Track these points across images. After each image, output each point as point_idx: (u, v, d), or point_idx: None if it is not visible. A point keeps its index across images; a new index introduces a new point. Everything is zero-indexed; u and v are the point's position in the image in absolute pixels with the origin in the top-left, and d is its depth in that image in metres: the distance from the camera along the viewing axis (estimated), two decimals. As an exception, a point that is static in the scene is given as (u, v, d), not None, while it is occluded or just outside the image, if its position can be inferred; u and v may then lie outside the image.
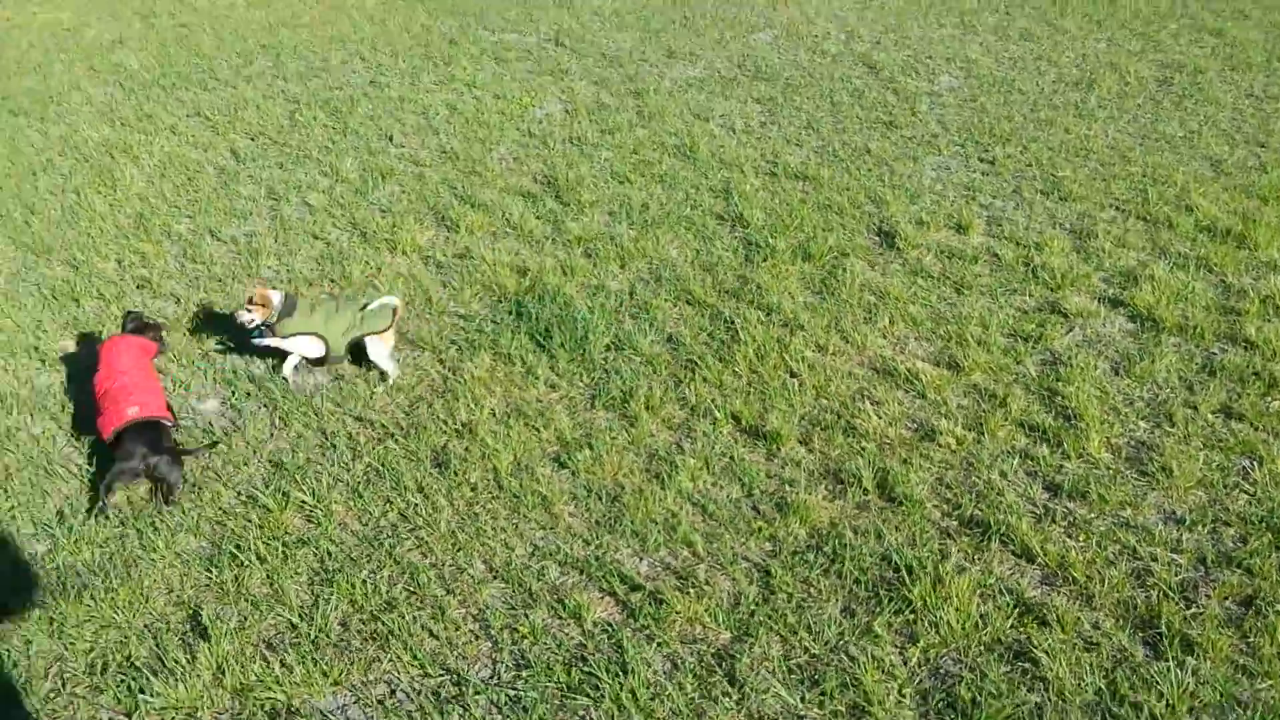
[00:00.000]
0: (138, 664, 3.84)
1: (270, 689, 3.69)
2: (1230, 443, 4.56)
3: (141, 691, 3.71)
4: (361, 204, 7.34)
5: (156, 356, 5.40)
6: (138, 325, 5.46)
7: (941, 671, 3.65)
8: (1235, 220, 6.37)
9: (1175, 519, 4.22)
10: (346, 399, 5.25)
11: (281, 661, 3.80)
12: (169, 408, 4.98)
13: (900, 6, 11.73)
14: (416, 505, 4.52)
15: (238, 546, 4.31)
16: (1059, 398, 4.93)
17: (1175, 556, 4.01)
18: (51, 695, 3.76)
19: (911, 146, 7.96)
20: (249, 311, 5.24)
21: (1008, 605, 3.85)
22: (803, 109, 8.82)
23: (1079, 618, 3.77)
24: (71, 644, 3.94)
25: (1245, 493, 4.30)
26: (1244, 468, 4.43)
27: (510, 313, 5.87)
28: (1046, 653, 3.61)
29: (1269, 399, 4.80)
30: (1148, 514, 4.24)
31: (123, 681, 3.77)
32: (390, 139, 8.53)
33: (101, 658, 3.88)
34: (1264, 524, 4.10)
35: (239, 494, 4.64)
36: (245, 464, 4.84)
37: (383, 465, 4.77)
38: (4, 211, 7.50)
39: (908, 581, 3.94)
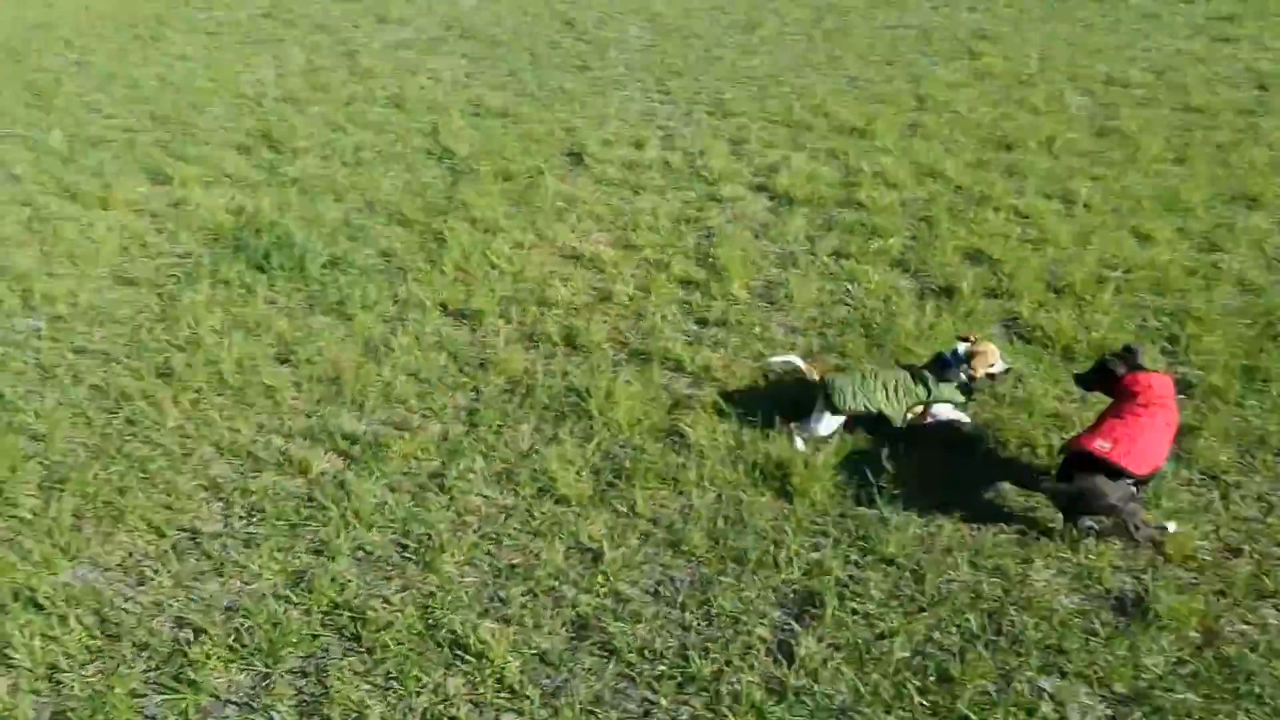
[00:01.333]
0: None
1: (8, 573, 3.97)
2: (839, 274, 5.65)
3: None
4: (70, 170, 7.39)
5: None
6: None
7: (611, 455, 4.45)
8: (861, 119, 7.59)
9: (793, 329, 5.23)
10: (63, 335, 5.46)
11: (19, 550, 4.08)
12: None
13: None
14: (143, 410, 4.85)
15: (-41, 471, 4.50)
16: (710, 259, 5.87)
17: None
18: None
19: (601, 85, 8.84)
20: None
21: (664, 402, 4.71)
22: (505, 60, 9.53)
23: (717, 401, 4.66)
24: None
25: (846, 305, 5.38)
26: (847, 289, 5.51)
27: (229, 247, 6.21)
28: (691, 427, 4.47)
29: (870, 241, 5.92)
30: (773, 329, 5.23)
31: None
32: (98, 110, 8.55)
33: None
34: (858, 324, 5.20)
35: (-46, 427, 4.80)
36: (-39, 401, 4.98)
37: (106, 384, 5.05)
38: None
39: (588, 400, 4.70)
